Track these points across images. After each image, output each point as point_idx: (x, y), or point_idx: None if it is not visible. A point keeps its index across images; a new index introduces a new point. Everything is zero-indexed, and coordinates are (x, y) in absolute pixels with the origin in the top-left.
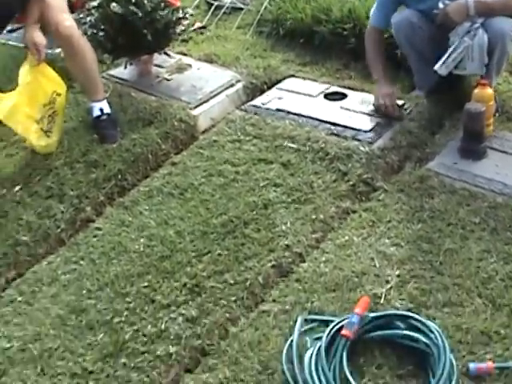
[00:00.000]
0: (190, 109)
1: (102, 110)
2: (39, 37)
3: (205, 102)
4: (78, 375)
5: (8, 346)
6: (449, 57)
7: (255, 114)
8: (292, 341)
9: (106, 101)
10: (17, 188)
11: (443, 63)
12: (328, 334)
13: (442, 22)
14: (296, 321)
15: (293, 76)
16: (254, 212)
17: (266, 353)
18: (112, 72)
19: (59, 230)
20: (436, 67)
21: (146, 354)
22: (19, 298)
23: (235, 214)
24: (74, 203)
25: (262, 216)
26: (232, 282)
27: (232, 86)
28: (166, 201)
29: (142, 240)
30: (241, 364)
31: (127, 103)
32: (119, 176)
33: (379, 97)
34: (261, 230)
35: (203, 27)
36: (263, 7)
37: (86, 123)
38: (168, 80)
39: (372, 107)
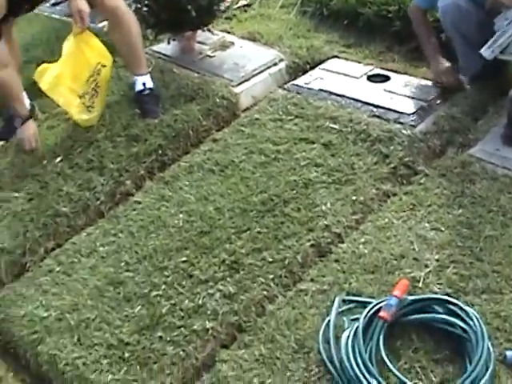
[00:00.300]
0: (232, 86)
1: (144, 84)
2: (83, 5)
3: (247, 80)
4: (114, 346)
5: (45, 315)
6: (495, 41)
7: (297, 93)
8: (329, 321)
9: (149, 75)
10: (58, 159)
11: (489, 47)
12: (366, 315)
13: (492, 6)
14: (333, 301)
15: (336, 57)
16: (294, 191)
17: (303, 332)
18: (155, 48)
19: (99, 203)
20: (482, 51)
21: (182, 329)
22: (57, 269)
23: (275, 193)
24: (114, 176)
25: (302, 195)
26: (270, 259)
27: (275, 65)
28: (207, 177)
29: (181, 215)
30: (277, 342)
31: (169, 79)
32: (160, 151)
33: (440, 75)
34: (300, 210)
35: (247, 5)
36: None
37: (128, 97)
38: (211, 57)
39: (415, 90)
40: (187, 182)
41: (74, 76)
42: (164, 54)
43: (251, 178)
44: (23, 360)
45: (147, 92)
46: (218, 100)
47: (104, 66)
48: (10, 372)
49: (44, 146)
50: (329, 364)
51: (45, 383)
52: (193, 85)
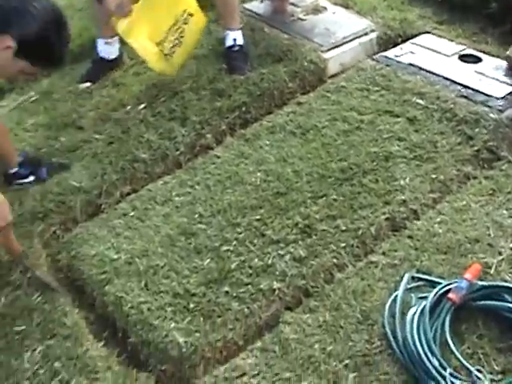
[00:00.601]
0: (322, 51)
1: (235, 40)
2: None
3: (337, 46)
4: (180, 295)
5: (116, 257)
6: None
7: (386, 65)
8: (396, 296)
9: (240, 32)
10: (141, 106)
11: None
12: (434, 294)
13: None
14: (403, 277)
15: (428, 33)
16: (375, 163)
17: (369, 304)
18: (247, 5)
19: (178, 153)
20: None
21: (249, 286)
22: (132, 213)
23: (355, 162)
24: (195, 128)
25: (381, 168)
26: (344, 228)
27: (366, 34)
28: (288, 139)
29: (259, 174)
30: (342, 310)
31: (259, 38)
32: (243, 108)
33: None
34: (379, 182)
35: None
36: None
37: (216, 52)
38: (302, 20)
39: (505, 75)
40: (268, 142)
41: (153, 22)
42: (255, 13)
43: (332, 144)
44: (90, 298)
45: (237, 48)
46: (305, 63)
47: (191, 14)
48: (76, 308)
49: (128, 92)
50: (392, 339)
51: (108, 323)
52: (282, 46)
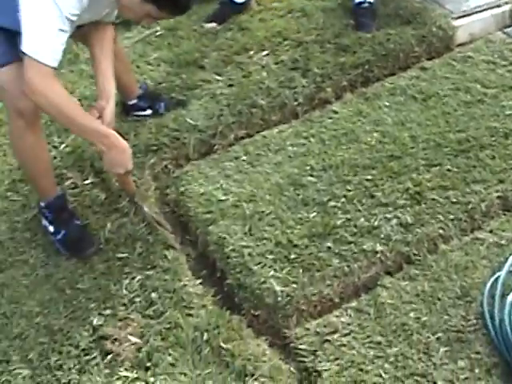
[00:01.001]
0: (452, 18)
1: None
2: None
3: (468, 15)
4: (282, 245)
5: (223, 198)
6: None
7: None
8: (499, 277)
9: None
10: (264, 53)
11: None
12: None
13: None
14: (508, 258)
15: None
16: (493, 138)
17: (470, 280)
18: None
19: (296, 103)
20: None
21: (352, 245)
22: (244, 157)
23: (473, 135)
24: (316, 81)
25: (500, 144)
26: (454, 200)
27: (499, 6)
28: (408, 103)
29: (375, 134)
30: (442, 283)
31: None
32: (366, 66)
33: None
34: (495, 158)
35: None
36: None
37: (344, 7)
38: None
39: None
40: (387, 103)
41: None
42: None
43: (452, 114)
44: (193, 236)
45: (366, 5)
46: (434, 29)
47: None
48: (178, 243)
49: (253, 37)
50: (488, 319)
51: (208, 262)
52: (412, 8)
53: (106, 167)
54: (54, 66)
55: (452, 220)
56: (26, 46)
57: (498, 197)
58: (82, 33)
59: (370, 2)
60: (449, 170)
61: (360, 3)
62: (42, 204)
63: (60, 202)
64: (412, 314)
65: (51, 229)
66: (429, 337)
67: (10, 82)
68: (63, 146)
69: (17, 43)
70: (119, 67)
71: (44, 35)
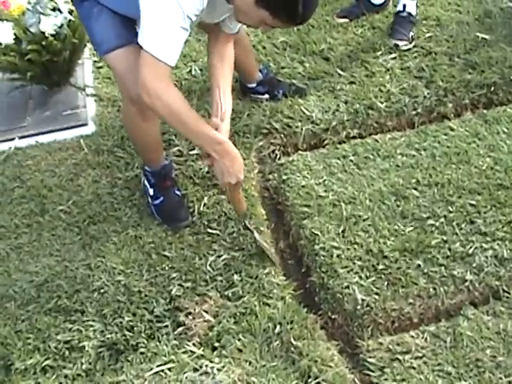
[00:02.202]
0: None
1: (405, 6)
2: None
3: None
4: (373, 253)
5: (323, 194)
6: None
7: None
8: None
9: (415, 1)
10: (391, 56)
11: None
12: None
13: None
14: None
15: None
16: None
17: None
18: None
19: (414, 112)
20: None
21: (442, 268)
22: (351, 158)
23: None
24: (439, 94)
25: None
26: None
27: None
28: None
29: (488, 159)
30: None
31: None
32: (492, 88)
33: None
34: None
35: None
36: None
37: (481, 23)
38: None
39: None
40: (506, 130)
41: None
42: None
43: None
44: (286, 226)
45: (404, 14)
46: None
47: None
48: (269, 229)
49: (383, 38)
50: None
51: (296, 255)
52: None
53: (216, 176)
54: (172, 66)
55: None
56: (145, 41)
57: None
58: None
59: (408, 12)
60: None
61: (399, 12)
62: (148, 169)
63: (165, 171)
64: (488, 351)
65: (151, 192)
66: (501, 378)
67: (123, 69)
68: None
69: (131, 27)
70: (241, 54)
71: (165, 32)
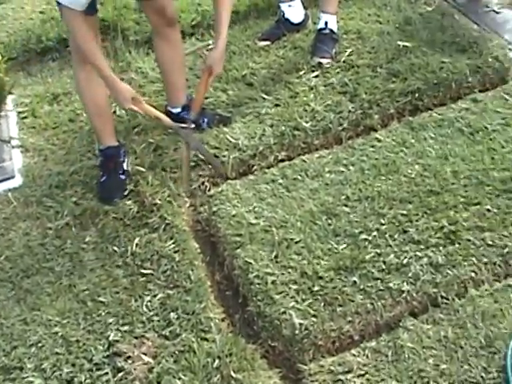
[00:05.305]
0: (510, 49)
1: (326, 23)
2: None
3: None
4: (307, 275)
5: (254, 222)
6: None
7: None
8: None
9: (335, 17)
10: (314, 74)
11: None
12: None
13: None
14: None
15: None
16: None
17: (496, 329)
18: None
19: (341, 128)
20: None
21: (378, 281)
22: (280, 181)
23: None
24: (363, 106)
25: None
26: (490, 242)
27: None
28: (454, 136)
29: (416, 166)
30: (466, 330)
31: (447, 24)
32: (416, 94)
33: None
34: None
35: None
36: None
37: (401, 31)
38: (496, 13)
39: None
40: (433, 135)
41: None
42: None
43: (499, 151)
44: (220, 257)
45: (326, 32)
46: (490, 59)
47: None
48: (204, 263)
49: (305, 57)
50: (510, 374)
51: (232, 285)
52: (469, 36)
53: None
54: (78, 9)
55: (485, 264)
56: None
57: None
58: None
59: (330, 29)
60: (488, 210)
61: (321, 29)
62: (98, 147)
63: (110, 152)
64: (431, 361)
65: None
66: None
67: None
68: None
69: None
70: (172, 68)
71: None
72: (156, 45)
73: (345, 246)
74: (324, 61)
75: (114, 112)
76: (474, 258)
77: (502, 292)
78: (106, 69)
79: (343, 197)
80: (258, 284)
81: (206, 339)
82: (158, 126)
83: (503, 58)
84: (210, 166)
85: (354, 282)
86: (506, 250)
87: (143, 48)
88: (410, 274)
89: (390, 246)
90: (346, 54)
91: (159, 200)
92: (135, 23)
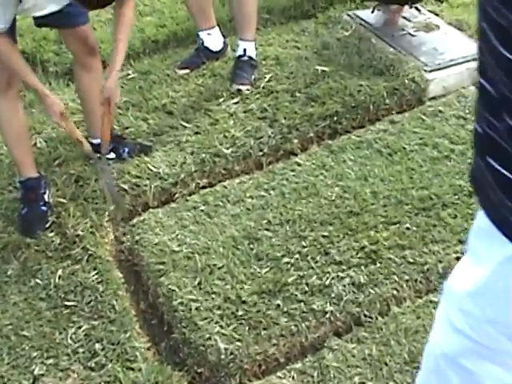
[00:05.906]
0: (425, 71)
1: (245, 50)
2: None
3: (442, 68)
4: (231, 300)
5: (177, 249)
6: None
7: None
8: None
9: (253, 44)
10: (234, 100)
11: None
12: None
13: None
14: None
15: None
16: (457, 196)
17: (419, 345)
18: (359, 13)
19: (261, 153)
20: None
21: (301, 304)
22: (202, 207)
23: (436, 193)
24: (283, 131)
25: (463, 203)
26: (411, 260)
27: (475, 60)
28: (373, 157)
29: (336, 188)
30: (390, 347)
31: (364, 48)
32: (335, 118)
33: None
34: (457, 218)
35: None
36: None
37: (319, 55)
38: (412, 36)
39: None
40: (352, 157)
41: None
42: (366, 21)
43: (417, 170)
44: (144, 286)
45: (245, 59)
46: (406, 81)
47: None
48: (128, 293)
49: (224, 84)
50: None
51: (157, 314)
52: (386, 60)
53: None
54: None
55: (407, 281)
56: None
57: (457, 258)
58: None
59: (249, 56)
60: (408, 228)
61: (240, 56)
62: (18, 179)
63: (30, 184)
64: (357, 379)
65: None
66: None
67: None
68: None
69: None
70: (93, 98)
71: None
72: (77, 75)
73: (267, 269)
74: (243, 87)
75: (35, 144)
76: (395, 276)
77: (423, 308)
78: (37, 83)
79: (265, 221)
80: (182, 311)
81: (132, 369)
82: (79, 157)
83: (419, 80)
84: (112, 203)
85: (278, 305)
86: (427, 266)
87: (63, 79)
88: (332, 295)
89: (313, 267)
90: (266, 79)
91: (81, 231)
92: (55, 54)
